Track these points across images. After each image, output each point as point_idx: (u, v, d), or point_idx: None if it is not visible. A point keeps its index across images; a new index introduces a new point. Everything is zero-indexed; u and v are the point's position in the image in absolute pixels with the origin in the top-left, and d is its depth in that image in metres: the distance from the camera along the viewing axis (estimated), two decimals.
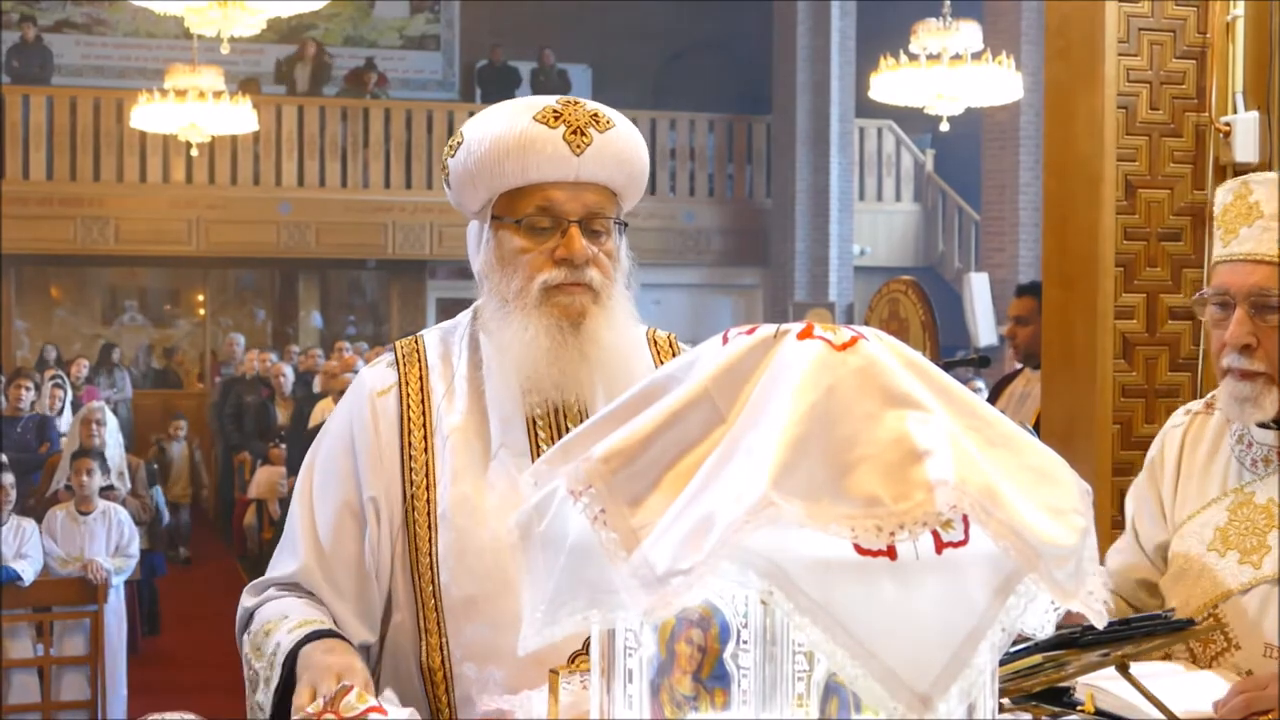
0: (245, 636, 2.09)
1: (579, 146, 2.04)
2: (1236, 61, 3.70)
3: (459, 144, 2.10)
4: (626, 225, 2.16)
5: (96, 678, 6.12)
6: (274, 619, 2.04)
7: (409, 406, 2.11)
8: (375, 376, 2.17)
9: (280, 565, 2.13)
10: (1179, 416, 2.37)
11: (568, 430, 1.72)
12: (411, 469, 2.07)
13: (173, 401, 15.19)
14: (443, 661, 2.03)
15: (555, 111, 2.05)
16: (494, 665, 2.00)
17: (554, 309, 2.03)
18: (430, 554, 2.04)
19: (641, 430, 1.24)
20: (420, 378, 2.14)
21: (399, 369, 2.16)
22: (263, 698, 1.97)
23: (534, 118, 2.04)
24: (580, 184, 2.06)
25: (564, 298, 2.04)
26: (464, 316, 2.21)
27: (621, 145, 2.09)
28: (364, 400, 2.14)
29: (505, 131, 2.04)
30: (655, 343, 2.22)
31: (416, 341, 2.20)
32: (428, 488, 2.06)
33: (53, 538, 6.65)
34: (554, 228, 2.05)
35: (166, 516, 9.74)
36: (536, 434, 2.07)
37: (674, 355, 2.20)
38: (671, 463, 1.22)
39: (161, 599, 9.03)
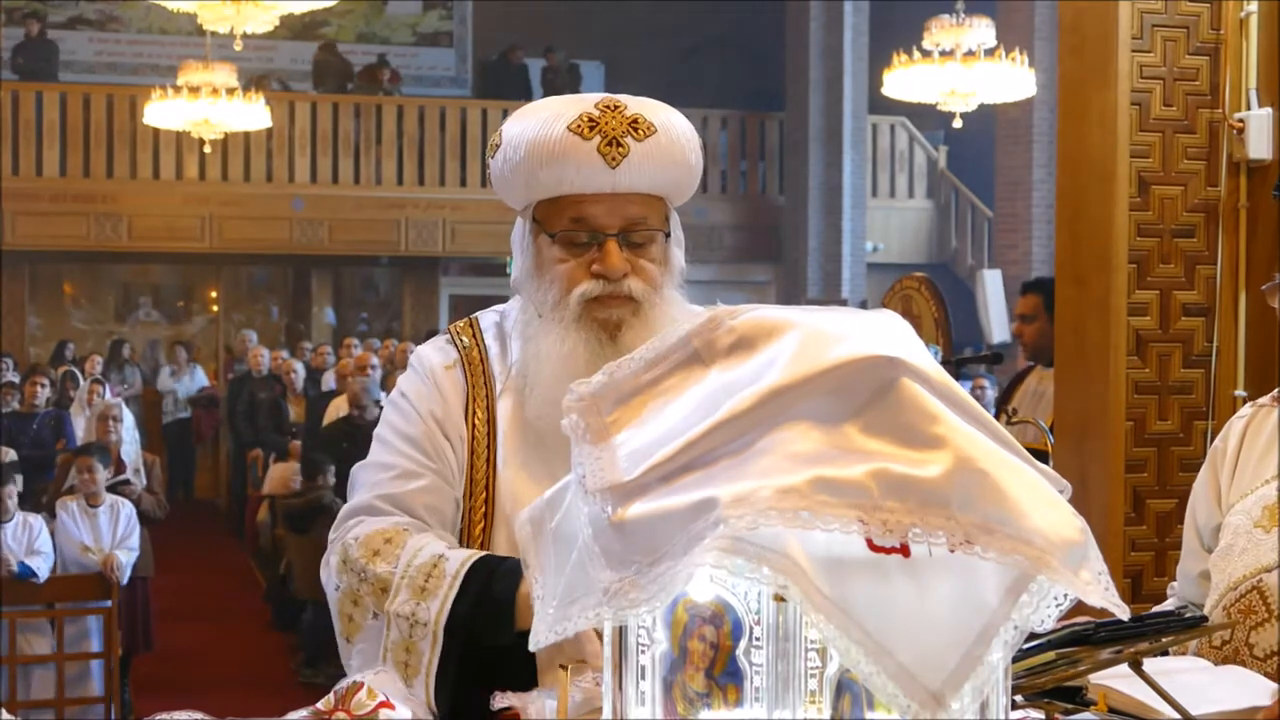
0: (351, 545, 2.01)
1: (614, 159, 1.94)
2: (1250, 58, 3.69)
3: (498, 145, 2.03)
4: (669, 235, 2.09)
5: (111, 674, 6.12)
6: (403, 532, 1.99)
7: (474, 385, 2.08)
8: (437, 352, 2.13)
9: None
10: (1246, 409, 2.39)
11: None
12: (474, 440, 2.04)
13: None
14: None
15: (591, 120, 1.95)
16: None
17: (592, 322, 1.98)
18: (483, 543, 2.01)
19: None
20: (481, 359, 2.11)
21: (458, 347, 2.13)
22: (429, 605, 1.90)
23: (569, 127, 1.95)
24: (619, 195, 1.98)
25: (601, 311, 1.98)
26: (513, 308, 2.17)
27: (664, 153, 1.99)
28: (430, 373, 2.11)
29: (539, 140, 1.96)
30: None
31: (472, 324, 2.17)
32: (488, 464, 2.03)
33: (68, 528, 6.64)
34: (591, 241, 1.99)
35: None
36: None
37: None
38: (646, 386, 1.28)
39: (172, 595, 9.03)
